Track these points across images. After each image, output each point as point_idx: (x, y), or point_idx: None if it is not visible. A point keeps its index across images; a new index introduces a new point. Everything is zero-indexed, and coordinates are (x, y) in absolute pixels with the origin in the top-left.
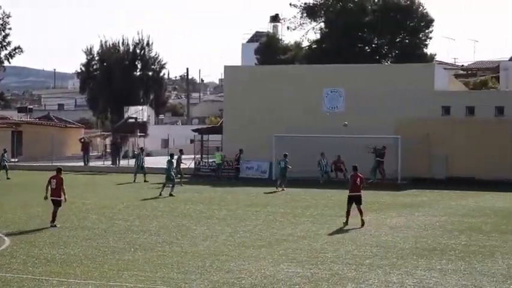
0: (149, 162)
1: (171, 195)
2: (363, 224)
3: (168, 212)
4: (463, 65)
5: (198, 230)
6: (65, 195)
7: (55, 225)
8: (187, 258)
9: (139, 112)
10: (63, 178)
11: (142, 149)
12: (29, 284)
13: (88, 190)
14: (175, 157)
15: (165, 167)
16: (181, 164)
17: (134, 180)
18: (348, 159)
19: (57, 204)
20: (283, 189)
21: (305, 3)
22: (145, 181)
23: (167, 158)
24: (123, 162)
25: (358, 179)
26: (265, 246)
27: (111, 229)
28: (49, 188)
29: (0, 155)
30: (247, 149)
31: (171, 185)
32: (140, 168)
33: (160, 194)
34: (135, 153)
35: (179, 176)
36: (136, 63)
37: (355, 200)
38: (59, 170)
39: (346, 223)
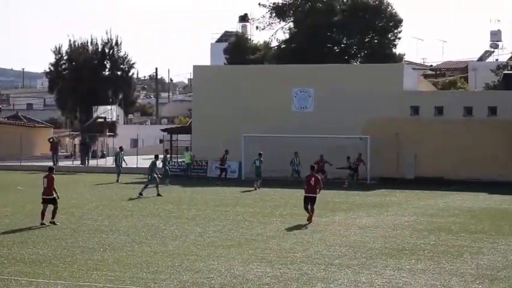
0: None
1: (158, 195)
2: (308, 222)
3: (137, 212)
4: (431, 65)
5: (168, 230)
6: (56, 193)
7: (54, 223)
8: (156, 258)
9: (108, 112)
10: (54, 177)
11: (121, 148)
12: None
13: (57, 190)
14: (161, 157)
15: (148, 167)
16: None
17: (117, 180)
18: (316, 158)
19: (48, 202)
20: (256, 189)
21: (274, 3)
22: (117, 181)
23: (152, 158)
24: (92, 162)
25: (313, 180)
26: (235, 246)
27: (81, 229)
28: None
29: None
30: (217, 149)
31: (154, 185)
32: (118, 168)
33: (140, 194)
34: (118, 152)
35: (168, 176)
36: (105, 62)
37: (310, 200)
38: (50, 169)
39: (311, 219)
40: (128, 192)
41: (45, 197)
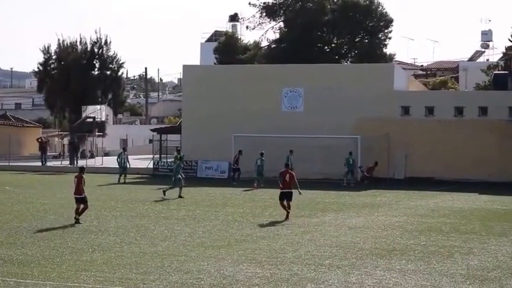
0: (108, 162)
1: (180, 196)
2: (286, 218)
3: (127, 212)
4: (422, 65)
5: (157, 231)
6: (84, 192)
7: (79, 222)
8: (145, 259)
9: (98, 112)
10: (83, 177)
11: (125, 149)
12: None
13: (45, 190)
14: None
15: (172, 167)
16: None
17: (119, 181)
18: (307, 159)
19: (79, 201)
20: (256, 188)
21: (264, 3)
22: (124, 182)
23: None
24: (81, 162)
25: (288, 176)
26: (225, 247)
27: (69, 229)
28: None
29: None
30: (207, 149)
31: (178, 187)
32: (122, 169)
33: (164, 195)
34: (121, 152)
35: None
36: (94, 62)
37: (286, 196)
38: (81, 170)
39: (287, 216)
40: (117, 192)
41: (76, 196)
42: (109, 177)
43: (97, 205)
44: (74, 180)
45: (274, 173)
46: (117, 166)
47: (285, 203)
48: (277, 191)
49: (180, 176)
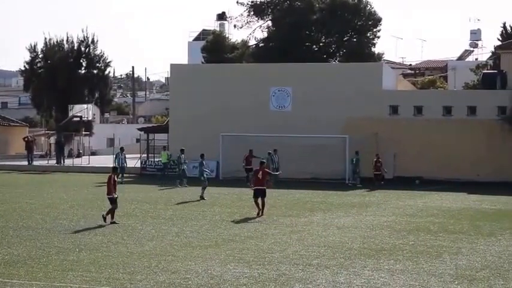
0: (95, 161)
1: (202, 198)
2: (261, 214)
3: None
4: (410, 64)
5: (144, 230)
6: (115, 192)
7: (115, 222)
8: (133, 259)
9: (84, 111)
10: (114, 177)
11: (122, 149)
12: None
13: (32, 190)
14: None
15: (198, 168)
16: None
17: (120, 182)
18: (295, 158)
19: (112, 201)
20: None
21: (252, 1)
22: (121, 182)
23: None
24: (67, 162)
25: (261, 173)
26: (212, 247)
27: (56, 229)
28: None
29: None
30: (194, 148)
31: (202, 187)
32: (120, 169)
33: (202, 198)
34: (118, 152)
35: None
36: (81, 61)
37: (260, 193)
38: (114, 169)
39: (258, 214)
40: (103, 192)
41: (108, 196)
42: (96, 176)
43: (84, 204)
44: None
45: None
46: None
47: (259, 200)
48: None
49: (204, 176)
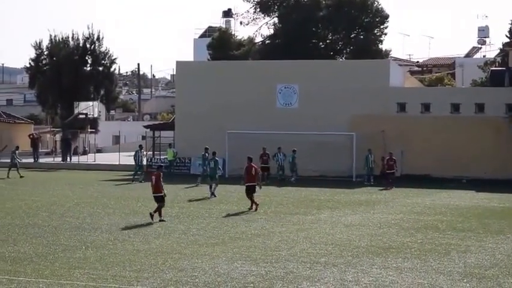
0: (101, 159)
1: (213, 195)
2: (251, 209)
3: (120, 210)
4: (418, 62)
5: (150, 228)
6: (163, 190)
7: (163, 220)
8: (139, 256)
9: (90, 108)
10: (161, 174)
11: (141, 146)
12: None
13: (38, 187)
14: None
15: (210, 166)
16: None
17: (140, 181)
18: (301, 155)
19: (157, 199)
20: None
21: None
22: (140, 181)
23: (207, 155)
24: (73, 159)
25: (253, 170)
26: (219, 244)
27: (62, 226)
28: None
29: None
30: (200, 146)
31: (213, 185)
32: (138, 167)
33: (213, 195)
34: (137, 150)
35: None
36: (87, 58)
37: (252, 189)
38: (159, 168)
39: (251, 208)
40: (109, 189)
41: (154, 194)
42: (101, 174)
43: (89, 202)
44: (152, 179)
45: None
46: (132, 163)
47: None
48: (271, 188)
49: (217, 173)
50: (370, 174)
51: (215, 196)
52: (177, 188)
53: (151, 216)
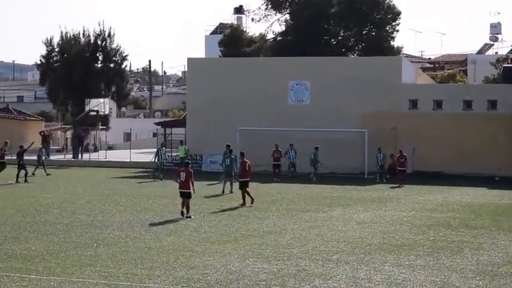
0: (112, 156)
1: (231, 191)
2: (245, 204)
3: (131, 207)
4: (430, 58)
5: (162, 225)
6: (193, 186)
7: (190, 217)
8: (151, 254)
9: (101, 105)
10: (191, 171)
11: (163, 144)
12: None
13: (49, 184)
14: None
15: (226, 163)
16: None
17: (160, 178)
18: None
19: (185, 196)
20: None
21: None
22: (161, 179)
23: (225, 151)
24: (85, 156)
25: (247, 165)
26: (231, 242)
27: (73, 224)
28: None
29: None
30: (212, 143)
31: (229, 182)
32: (160, 165)
33: (223, 192)
34: (159, 148)
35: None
36: (98, 55)
37: (246, 184)
38: (187, 164)
39: (243, 204)
40: (121, 186)
41: (182, 190)
42: (112, 171)
43: (101, 199)
44: (179, 175)
45: (282, 166)
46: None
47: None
48: (283, 185)
49: (233, 171)
50: (380, 172)
51: (232, 192)
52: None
53: (182, 213)
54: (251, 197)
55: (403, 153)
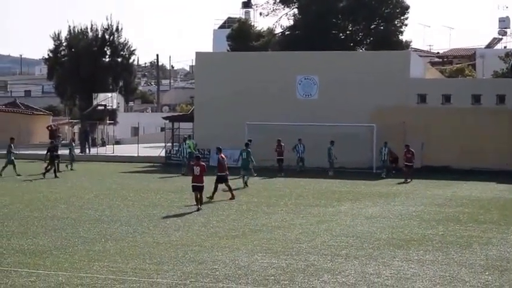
0: (119, 150)
1: (246, 184)
2: (198, 209)
3: (139, 202)
4: (438, 52)
5: (170, 220)
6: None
7: (200, 208)
8: (159, 249)
9: (109, 99)
10: (205, 165)
11: (185, 139)
12: None
13: (56, 179)
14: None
15: (243, 156)
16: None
17: (183, 173)
18: (322, 147)
19: (200, 189)
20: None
21: None
22: (183, 174)
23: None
24: (92, 151)
25: (198, 169)
26: (239, 237)
27: (81, 219)
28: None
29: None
30: (219, 137)
31: (246, 175)
32: (185, 159)
33: (246, 185)
34: (182, 142)
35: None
36: (105, 49)
37: (223, 179)
38: (198, 158)
39: (211, 198)
40: (129, 181)
41: (197, 184)
42: (120, 165)
43: (108, 194)
44: (193, 169)
45: (290, 161)
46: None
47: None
48: (291, 180)
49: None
50: (384, 166)
51: (247, 186)
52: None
53: (199, 209)
54: (232, 193)
55: (409, 148)
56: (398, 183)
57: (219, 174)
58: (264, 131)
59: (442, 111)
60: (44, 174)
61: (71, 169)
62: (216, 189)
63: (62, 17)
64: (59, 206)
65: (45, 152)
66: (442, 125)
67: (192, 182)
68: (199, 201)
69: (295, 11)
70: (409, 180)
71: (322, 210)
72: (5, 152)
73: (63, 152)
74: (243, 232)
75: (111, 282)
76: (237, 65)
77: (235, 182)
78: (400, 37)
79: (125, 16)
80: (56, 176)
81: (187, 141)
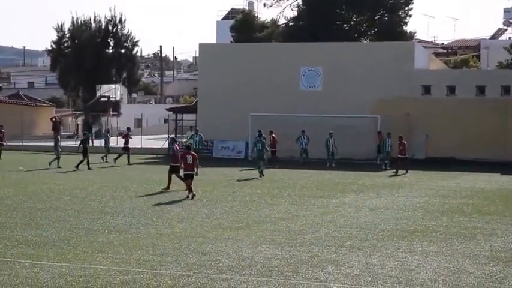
0: (122, 142)
1: (261, 174)
2: (192, 197)
3: (142, 193)
4: (443, 43)
5: (174, 212)
6: (197, 169)
7: (194, 195)
8: (163, 240)
9: (112, 91)
10: (196, 154)
11: (197, 130)
12: (0, 267)
13: (60, 170)
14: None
15: (258, 148)
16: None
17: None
18: (325, 138)
19: (191, 177)
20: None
21: None
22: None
23: (256, 137)
24: (95, 142)
25: (191, 157)
26: (243, 228)
27: (85, 210)
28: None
29: None
30: (223, 129)
31: (261, 165)
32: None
33: (261, 174)
34: (192, 134)
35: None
36: (109, 40)
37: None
38: (188, 147)
39: (167, 188)
40: (131, 173)
41: (189, 172)
42: (123, 157)
43: (112, 186)
44: (186, 158)
45: (293, 152)
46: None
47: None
48: (294, 171)
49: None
50: (387, 158)
51: (263, 175)
52: (200, 172)
53: (192, 196)
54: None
55: (402, 140)
56: (391, 176)
57: (172, 164)
58: (268, 122)
59: (447, 102)
60: (77, 166)
61: (106, 161)
62: (170, 180)
63: (65, 8)
64: (62, 198)
65: (52, 144)
66: (446, 116)
67: (185, 171)
68: (190, 188)
69: (299, 1)
70: (404, 172)
71: (326, 202)
72: (8, 143)
73: (67, 143)
74: (247, 223)
75: (114, 273)
76: (241, 56)
77: (249, 172)
78: (405, 28)
79: (128, 7)
80: (89, 168)
81: (188, 133)
